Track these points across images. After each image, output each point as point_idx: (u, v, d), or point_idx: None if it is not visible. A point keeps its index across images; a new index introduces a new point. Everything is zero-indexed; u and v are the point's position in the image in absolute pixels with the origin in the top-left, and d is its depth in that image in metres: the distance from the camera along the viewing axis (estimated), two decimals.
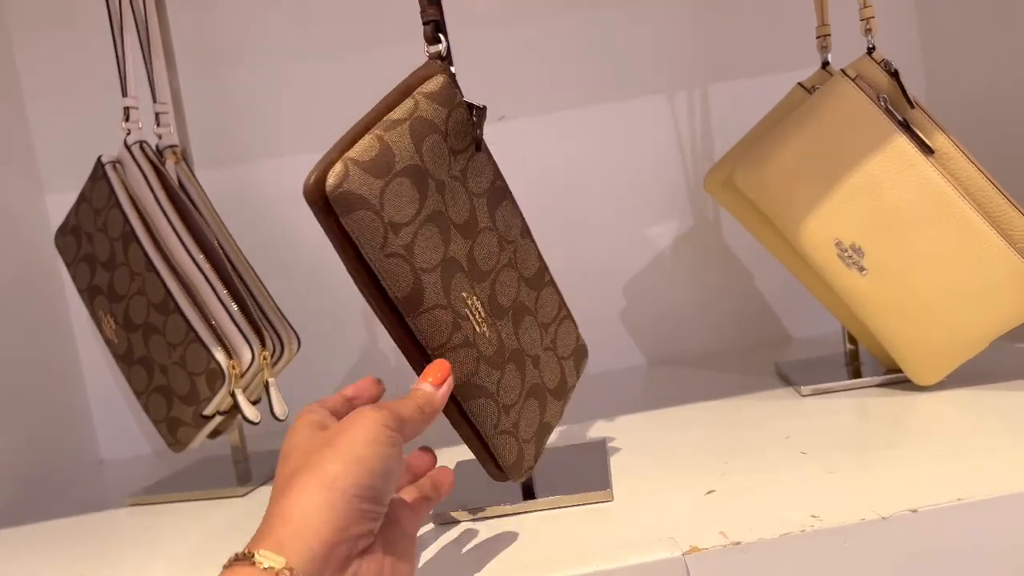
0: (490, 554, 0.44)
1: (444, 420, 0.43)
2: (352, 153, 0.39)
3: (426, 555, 0.45)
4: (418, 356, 0.42)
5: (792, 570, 0.40)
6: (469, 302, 0.43)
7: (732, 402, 0.66)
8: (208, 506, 0.61)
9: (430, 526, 0.49)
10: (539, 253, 0.50)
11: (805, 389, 0.64)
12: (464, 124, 0.45)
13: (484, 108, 0.45)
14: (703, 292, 0.86)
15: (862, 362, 0.68)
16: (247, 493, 0.63)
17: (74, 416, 0.81)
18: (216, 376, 0.59)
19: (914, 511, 0.40)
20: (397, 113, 0.42)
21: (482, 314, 0.44)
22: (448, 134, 0.44)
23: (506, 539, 0.46)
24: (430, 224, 0.42)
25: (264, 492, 0.62)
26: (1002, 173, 0.62)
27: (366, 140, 0.40)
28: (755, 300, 0.86)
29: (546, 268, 0.51)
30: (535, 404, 0.47)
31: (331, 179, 0.38)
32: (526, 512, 0.49)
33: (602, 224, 0.85)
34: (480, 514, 0.49)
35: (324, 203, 0.39)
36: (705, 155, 0.84)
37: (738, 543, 0.40)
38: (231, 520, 0.57)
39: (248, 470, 0.67)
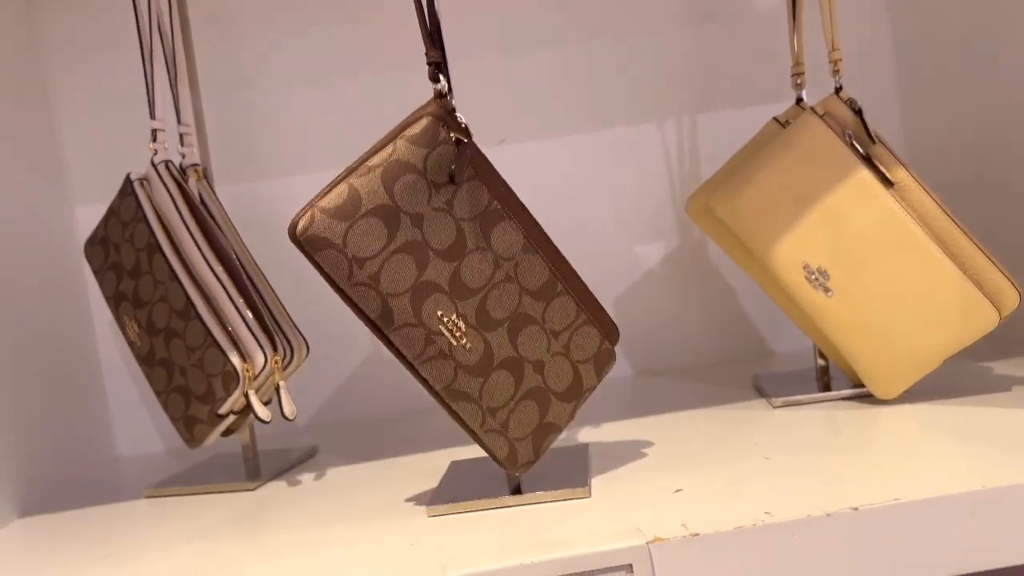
0: (476, 541, 0.49)
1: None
2: (322, 202, 0.49)
3: (417, 542, 0.50)
4: (404, 363, 0.51)
5: (744, 559, 0.45)
6: (446, 319, 0.50)
7: (710, 411, 0.71)
8: (219, 498, 0.66)
9: (423, 518, 0.54)
10: (550, 267, 0.54)
11: (777, 401, 0.69)
12: (449, 159, 0.50)
13: (467, 144, 0.50)
14: (688, 308, 0.91)
15: (832, 377, 0.72)
16: (256, 487, 0.68)
17: (93, 416, 0.86)
18: (231, 378, 0.64)
19: (855, 509, 0.45)
20: (374, 160, 0.50)
21: (462, 329, 0.51)
22: (428, 171, 0.50)
23: (491, 529, 0.51)
24: (401, 254, 0.50)
25: (272, 487, 0.67)
26: (975, 213, 0.68)
27: (338, 188, 0.49)
28: (737, 316, 0.91)
29: (558, 279, 0.54)
30: (533, 406, 0.53)
31: (300, 224, 0.48)
32: (511, 506, 0.54)
33: (595, 242, 0.90)
34: (469, 508, 0.54)
35: (298, 244, 0.48)
36: (692, 179, 0.90)
37: (696, 534, 0.45)
38: (240, 510, 0.62)
39: (257, 467, 0.72)
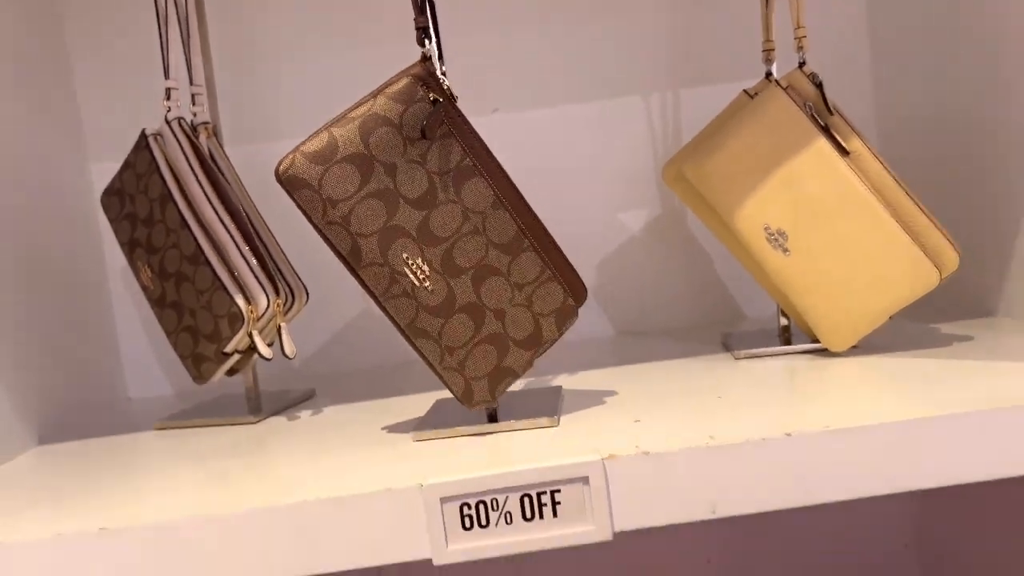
0: (452, 458, 0.55)
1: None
2: (304, 146, 0.55)
3: (401, 460, 0.56)
4: (373, 298, 0.58)
5: (688, 475, 0.50)
6: (411, 262, 0.56)
7: (677, 362, 0.76)
8: (223, 430, 0.72)
9: (409, 442, 0.60)
10: (518, 224, 0.59)
11: (739, 353, 0.75)
12: (424, 117, 0.56)
13: (441, 104, 0.56)
14: (668, 273, 0.97)
15: (793, 334, 0.78)
16: (257, 421, 0.74)
17: (106, 359, 0.92)
18: (236, 319, 0.69)
19: (788, 435, 0.51)
20: (355, 112, 0.56)
21: (426, 272, 0.57)
22: (404, 126, 0.56)
23: (467, 449, 0.56)
24: (372, 199, 0.56)
25: (272, 421, 0.73)
26: (937, 186, 0.73)
27: (320, 135, 0.55)
28: (713, 282, 0.97)
29: (526, 236, 0.59)
30: (492, 350, 0.58)
31: (283, 166, 0.55)
32: (487, 433, 0.60)
33: (580, 209, 0.95)
34: (450, 434, 0.60)
35: (281, 182, 0.55)
36: (674, 150, 0.94)
37: (647, 452, 0.51)
38: (242, 439, 0.68)
39: (259, 404, 0.77)
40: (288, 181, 0.55)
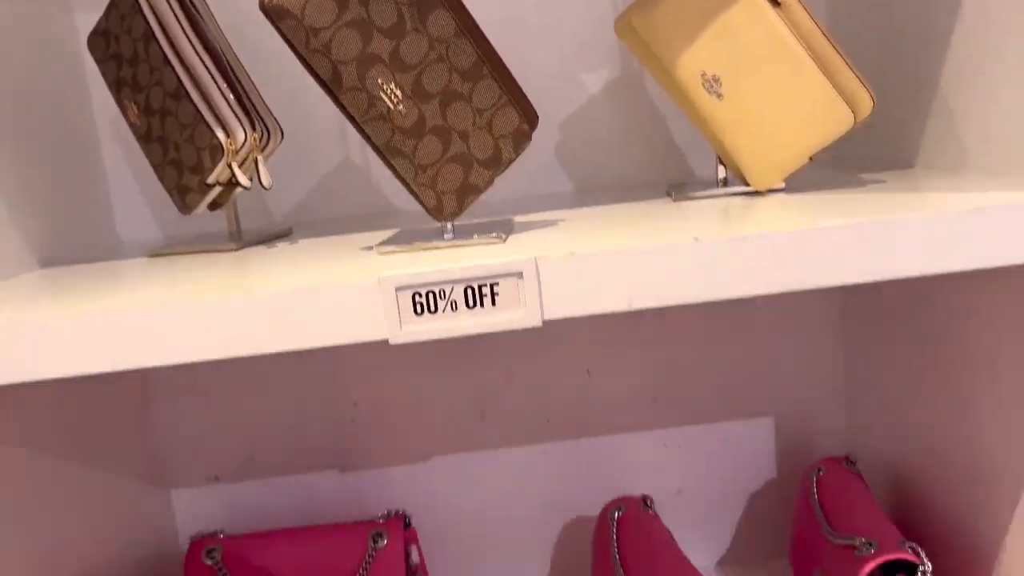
0: (410, 262, 0.63)
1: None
2: None
3: (365, 266, 0.64)
4: (352, 122, 0.64)
5: (608, 273, 0.59)
6: (385, 87, 0.62)
7: (622, 205, 0.84)
8: (210, 255, 0.80)
9: (373, 256, 0.68)
10: (478, 52, 0.64)
11: (677, 196, 0.82)
12: None
13: None
14: (625, 132, 1.03)
15: (729, 180, 0.85)
16: (239, 248, 0.81)
17: (97, 205, 0.98)
18: (217, 150, 0.76)
19: (696, 239, 0.59)
20: None
21: (399, 96, 0.63)
22: None
23: (424, 256, 0.64)
24: (349, 28, 0.61)
25: (251, 251, 0.81)
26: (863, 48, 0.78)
27: None
28: (666, 141, 1.03)
29: (484, 63, 0.65)
30: (458, 168, 0.65)
31: None
32: (443, 248, 0.67)
33: (543, 70, 1.01)
34: (411, 249, 0.68)
35: (266, 13, 0.60)
36: None
37: (573, 253, 0.59)
38: (226, 260, 0.76)
39: (240, 236, 0.85)
40: (273, 10, 0.60)
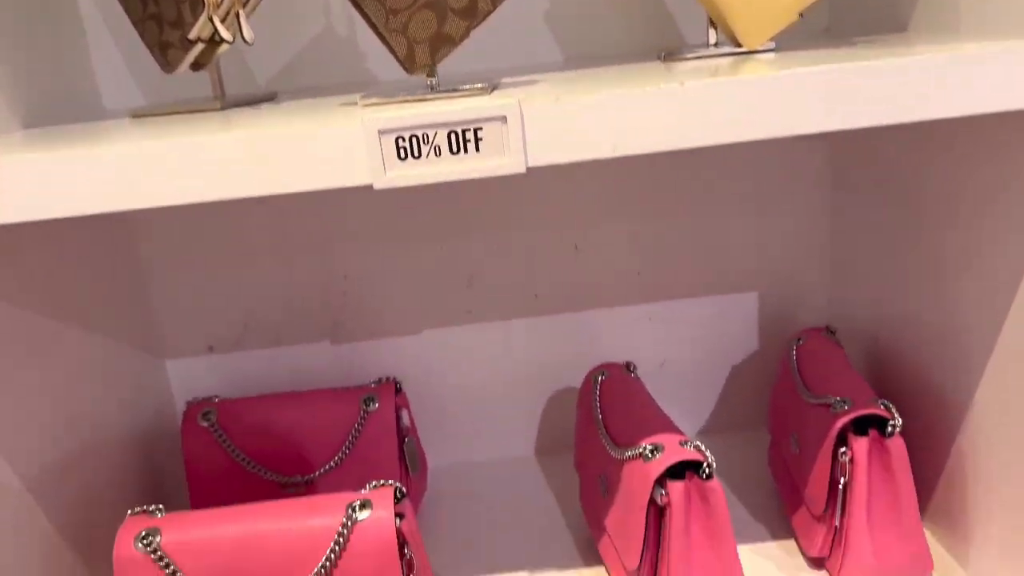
0: (394, 108, 0.62)
1: None
2: None
3: (348, 112, 0.63)
4: None
5: (593, 118, 0.58)
6: None
7: (614, 67, 0.83)
8: (195, 116, 0.79)
9: (357, 108, 0.67)
10: None
11: (667, 57, 0.81)
12: None
13: None
14: (618, 1, 1.01)
15: (720, 43, 0.84)
16: (222, 108, 0.80)
17: (78, 68, 0.97)
18: (198, 3, 0.74)
19: (681, 84, 0.58)
20: None
21: None
22: None
23: (407, 106, 0.64)
24: None
25: (236, 111, 0.80)
26: None
27: None
28: (660, 10, 1.01)
29: None
30: (431, 15, 0.64)
31: None
32: (428, 100, 0.67)
33: None
34: (395, 101, 0.67)
35: None
36: None
37: (558, 99, 0.58)
38: (211, 117, 0.75)
39: (223, 95, 0.84)
40: None
